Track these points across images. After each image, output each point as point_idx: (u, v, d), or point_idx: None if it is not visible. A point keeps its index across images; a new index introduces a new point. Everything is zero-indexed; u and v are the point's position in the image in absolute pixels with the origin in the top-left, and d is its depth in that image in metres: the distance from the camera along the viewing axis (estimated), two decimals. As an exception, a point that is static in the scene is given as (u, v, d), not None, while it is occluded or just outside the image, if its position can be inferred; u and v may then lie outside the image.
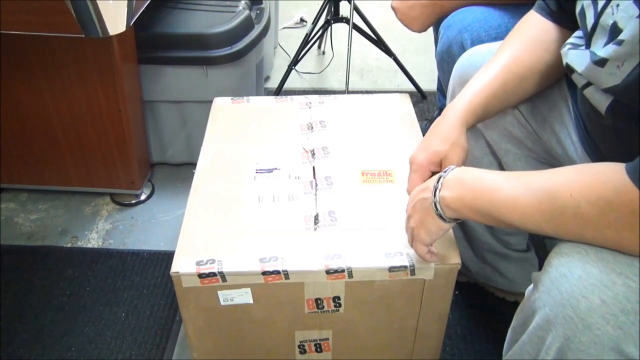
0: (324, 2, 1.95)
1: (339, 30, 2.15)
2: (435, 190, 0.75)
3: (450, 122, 0.87)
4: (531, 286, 0.71)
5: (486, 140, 1.06)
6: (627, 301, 0.59)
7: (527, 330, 0.70)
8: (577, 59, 0.76)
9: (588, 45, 0.74)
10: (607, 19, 0.69)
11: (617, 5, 0.67)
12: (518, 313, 0.75)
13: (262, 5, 1.70)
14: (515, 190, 0.68)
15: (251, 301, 0.92)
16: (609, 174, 0.62)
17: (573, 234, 0.65)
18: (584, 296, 0.61)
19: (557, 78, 0.93)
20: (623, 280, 0.60)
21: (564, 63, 0.79)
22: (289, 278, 0.89)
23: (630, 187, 0.59)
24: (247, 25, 1.55)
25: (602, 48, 0.69)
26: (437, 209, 0.76)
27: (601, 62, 0.69)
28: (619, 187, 0.60)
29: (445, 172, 0.76)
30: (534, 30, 0.91)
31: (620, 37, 0.66)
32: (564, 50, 0.80)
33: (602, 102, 0.74)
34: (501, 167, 1.07)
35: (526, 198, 0.67)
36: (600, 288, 0.61)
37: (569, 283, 0.63)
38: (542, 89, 0.94)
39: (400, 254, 0.90)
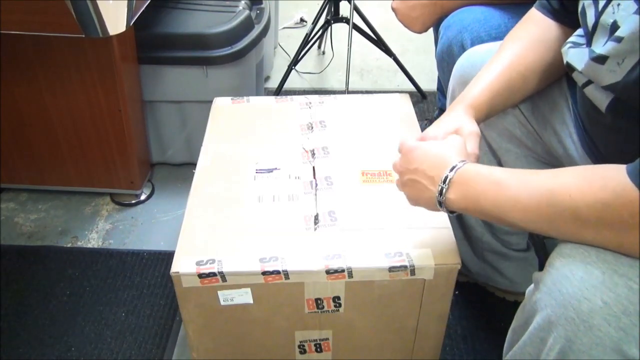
0: (324, 2, 1.95)
1: (339, 30, 2.15)
2: (442, 190, 0.75)
3: (458, 112, 0.87)
4: (532, 286, 0.71)
5: (486, 140, 1.06)
6: (629, 303, 0.59)
7: (528, 331, 0.70)
8: (577, 57, 0.76)
9: (589, 44, 0.74)
10: (607, 18, 0.69)
11: (618, 5, 0.67)
12: (519, 313, 0.75)
13: (262, 5, 1.70)
14: (517, 191, 0.68)
15: (251, 301, 0.92)
16: (609, 177, 0.61)
17: (573, 236, 0.65)
18: (586, 297, 0.61)
19: (559, 76, 0.93)
20: (625, 282, 0.60)
21: (565, 62, 0.79)
22: (289, 278, 0.89)
23: (630, 188, 0.58)
24: (247, 25, 1.55)
25: (602, 46, 0.69)
26: (441, 206, 0.77)
27: (601, 60, 0.69)
28: (619, 189, 0.59)
29: (451, 170, 0.75)
30: (536, 28, 0.91)
31: (619, 33, 0.66)
32: (564, 49, 0.80)
33: (602, 100, 0.74)
34: (501, 166, 1.07)
35: (526, 199, 0.67)
36: (602, 289, 0.60)
37: (571, 284, 0.63)
38: (543, 88, 0.94)
39: (400, 254, 0.89)
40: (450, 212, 0.78)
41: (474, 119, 0.87)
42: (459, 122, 0.85)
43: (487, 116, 0.90)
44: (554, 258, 0.67)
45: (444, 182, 0.75)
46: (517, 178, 0.69)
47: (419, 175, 0.79)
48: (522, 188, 0.68)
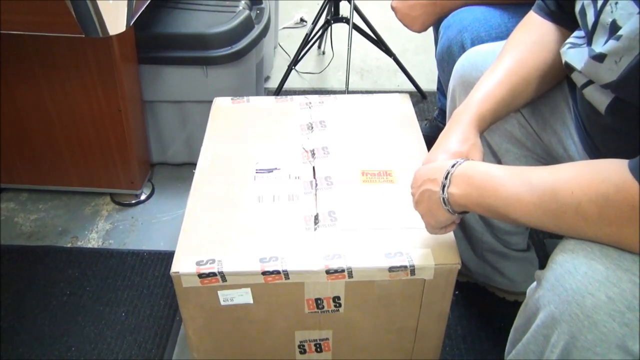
0: (324, 2, 1.95)
1: (339, 30, 2.15)
2: (444, 186, 0.76)
3: (464, 127, 0.86)
4: (534, 284, 0.70)
5: (486, 141, 1.06)
6: (633, 298, 0.59)
7: (531, 329, 0.69)
8: (576, 57, 0.76)
9: (590, 43, 0.74)
10: (606, 17, 0.69)
11: (616, 4, 0.67)
12: (521, 312, 0.74)
13: (262, 5, 1.70)
14: (519, 188, 0.69)
15: (251, 301, 0.92)
16: (609, 171, 0.61)
17: (575, 231, 0.65)
18: (590, 293, 0.61)
19: (560, 79, 0.93)
20: (629, 277, 0.60)
21: (563, 62, 0.79)
22: (289, 278, 0.89)
23: (630, 182, 0.58)
24: (247, 25, 1.55)
25: (602, 46, 0.69)
26: (445, 203, 0.77)
27: (600, 57, 0.69)
28: (619, 183, 0.59)
29: (453, 166, 0.77)
30: (535, 32, 0.91)
31: (619, 33, 0.66)
32: (563, 49, 0.80)
33: (602, 102, 0.74)
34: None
35: (528, 196, 0.67)
36: (606, 285, 0.60)
37: (575, 280, 0.62)
38: (545, 91, 0.94)
39: (400, 254, 0.90)
40: (455, 211, 0.78)
41: (479, 131, 0.87)
42: (465, 149, 0.84)
43: (491, 124, 0.90)
44: (556, 254, 0.67)
45: (446, 177, 0.76)
46: (519, 175, 0.70)
47: (425, 184, 0.81)
48: (524, 185, 0.68)
